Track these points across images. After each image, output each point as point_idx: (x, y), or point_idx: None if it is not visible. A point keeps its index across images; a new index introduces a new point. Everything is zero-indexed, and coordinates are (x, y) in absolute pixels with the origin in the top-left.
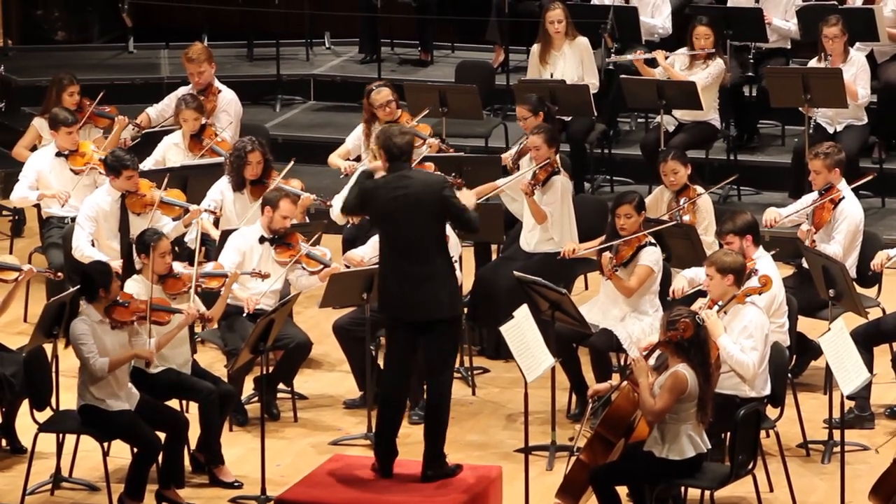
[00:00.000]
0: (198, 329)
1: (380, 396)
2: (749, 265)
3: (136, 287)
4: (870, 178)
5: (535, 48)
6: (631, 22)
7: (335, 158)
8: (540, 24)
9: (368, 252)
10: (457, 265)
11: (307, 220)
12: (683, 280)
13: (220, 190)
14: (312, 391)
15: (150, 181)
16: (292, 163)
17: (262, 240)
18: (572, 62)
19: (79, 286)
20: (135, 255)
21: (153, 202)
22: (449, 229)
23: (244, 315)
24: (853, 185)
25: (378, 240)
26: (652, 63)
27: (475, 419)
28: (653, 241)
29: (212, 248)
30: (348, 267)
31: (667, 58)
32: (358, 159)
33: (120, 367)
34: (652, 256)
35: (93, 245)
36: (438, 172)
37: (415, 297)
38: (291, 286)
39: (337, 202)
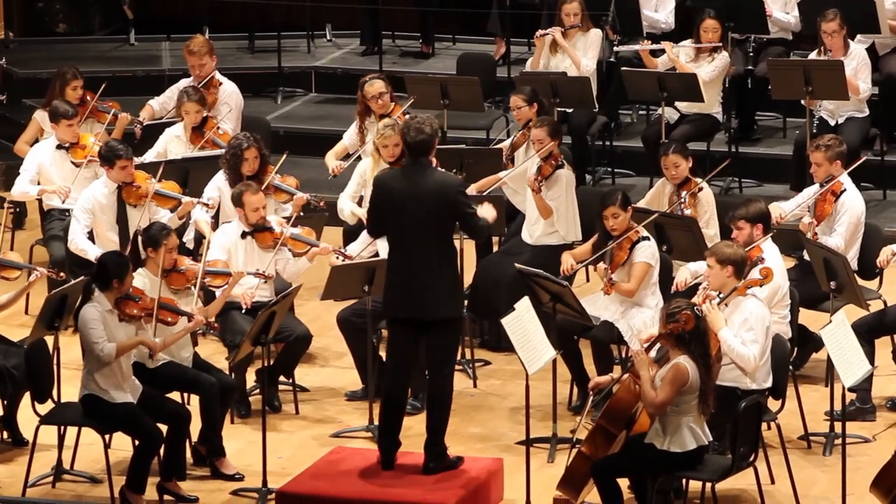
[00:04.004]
0: None
1: (383, 391)
2: (755, 253)
3: (139, 280)
4: (862, 160)
5: (548, 38)
6: (632, 14)
7: (329, 158)
8: (556, 15)
9: (358, 247)
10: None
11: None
12: (687, 272)
13: (217, 186)
14: (314, 383)
15: (148, 173)
16: (285, 156)
17: (243, 235)
18: (582, 54)
19: (83, 276)
20: (141, 248)
21: (148, 193)
22: None
23: (243, 311)
24: (848, 170)
25: (366, 234)
26: (656, 53)
27: (477, 411)
28: (646, 234)
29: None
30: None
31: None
32: (352, 157)
33: (127, 352)
34: (647, 251)
35: (91, 237)
36: (451, 173)
37: (420, 297)
38: (281, 275)
39: (345, 203)
